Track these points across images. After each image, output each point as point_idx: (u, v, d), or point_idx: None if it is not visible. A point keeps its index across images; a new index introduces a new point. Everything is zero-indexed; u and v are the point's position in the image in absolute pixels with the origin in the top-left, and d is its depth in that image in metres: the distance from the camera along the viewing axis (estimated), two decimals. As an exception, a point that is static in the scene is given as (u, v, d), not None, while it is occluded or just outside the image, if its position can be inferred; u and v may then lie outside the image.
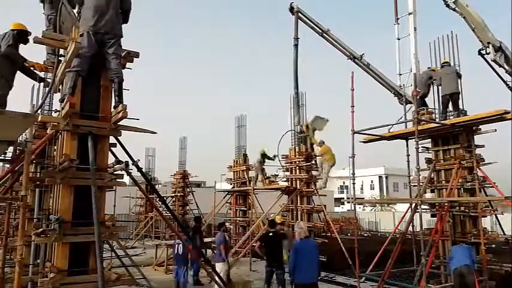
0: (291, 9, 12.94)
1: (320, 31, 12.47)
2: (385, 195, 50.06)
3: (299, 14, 12.76)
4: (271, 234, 8.13)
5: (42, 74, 8.18)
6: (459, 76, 9.23)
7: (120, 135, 5.22)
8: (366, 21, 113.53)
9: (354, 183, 8.88)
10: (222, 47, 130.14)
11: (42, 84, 6.46)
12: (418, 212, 7.83)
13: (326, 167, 13.33)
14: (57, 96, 6.59)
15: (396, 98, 11.25)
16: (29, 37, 5.41)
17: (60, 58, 5.59)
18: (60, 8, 5.52)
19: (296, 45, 13.14)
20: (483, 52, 9.83)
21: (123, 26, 5.27)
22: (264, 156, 15.71)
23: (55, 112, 8.22)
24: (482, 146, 8.91)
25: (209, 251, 13.52)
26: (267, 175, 15.87)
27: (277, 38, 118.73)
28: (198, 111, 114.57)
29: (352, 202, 9.28)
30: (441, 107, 9.38)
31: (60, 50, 5.50)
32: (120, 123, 4.90)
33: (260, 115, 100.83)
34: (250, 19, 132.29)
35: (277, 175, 15.38)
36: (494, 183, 8.67)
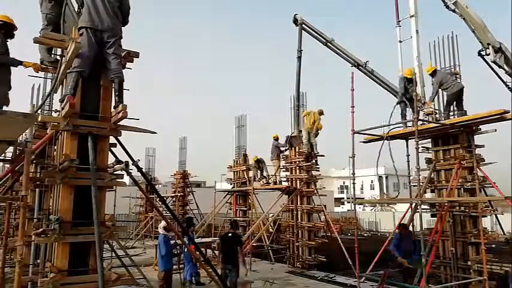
0: (295, 21, 12.92)
1: (324, 41, 12.49)
2: (385, 195, 50.05)
3: (303, 25, 12.76)
4: (230, 235, 8.05)
5: (42, 74, 8.20)
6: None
7: (120, 135, 5.22)
8: (368, 22, 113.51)
9: (354, 183, 8.88)
10: (223, 47, 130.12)
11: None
12: (418, 212, 7.83)
13: (305, 131, 13.60)
14: (57, 96, 6.58)
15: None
16: (14, 31, 5.20)
17: (58, 57, 5.59)
18: (64, 7, 5.53)
19: (299, 58, 13.14)
20: (483, 53, 9.82)
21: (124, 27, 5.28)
22: (258, 162, 15.80)
23: (55, 112, 8.22)
24: (482, 146, 8.91)
25: (209, 251, 13.52)
26: (266, 175, 15.90)
27: (277, 37, 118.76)
28: (198, 111, 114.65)
29: (352, 202, 9.27)
30: (445, 106, 9.36)
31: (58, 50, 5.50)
32: (120, 123, 4.90)
33: (260, 115, 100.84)
34: (250, 18, 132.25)
35: (272, 175, 15.46)
36: (494, 183, 8.67)
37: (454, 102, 9.27)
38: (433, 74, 9.41)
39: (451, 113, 9.24)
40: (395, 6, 11.50)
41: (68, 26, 5.50)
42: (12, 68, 5.12)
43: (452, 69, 9.57)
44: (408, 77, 9.85)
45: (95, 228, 4.30)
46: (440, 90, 9.47)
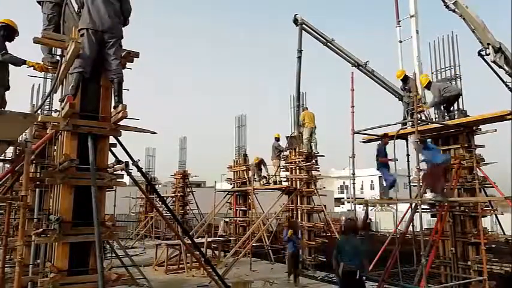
0: (295, 21, 12.90)
1: (324, 41, 12.48)
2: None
3: (303, 25, 12.74)
4: None
5: (42, 74, 8.20)
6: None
7: (120, 135, 5.23)
8: (368, 22, 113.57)
9: (354, 183, 8.87)
10: (223, 47, 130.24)
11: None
12: (418, 212, 7.82)
13: (306, 130, 13.65)
14: (57, 96, 6.59)
15: (400, 101, 11.26)
16: (15, 36, 5.34)
17: (58, 58, 5.59)
18: (64, 7, 5.54)
19: (299, 58, 13.13)
20: (483, 53, 9.82)
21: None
22: (259, 164, 15.82)
23: (55, 112, 8.22)
24: (482, 146, 8.91)
25: (209, 251, 13.54)
26: (266, 175, 15.91)
27: (278, 37, 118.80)
28: (198, 111, 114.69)
29: (352, 202, 9.26)
30: (443, 108, 9.37)
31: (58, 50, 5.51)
32: (120, 123, 4.90)
33: (260, 115, 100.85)
34: (250, 18, 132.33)
35: (272, 175, 15.46)
36: (494, 183, 8.67)
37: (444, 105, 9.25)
38: (428, 86, 9.43)
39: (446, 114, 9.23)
40: (396, 6, 11.50)
41: (67, 26, 5.51)
42: (13, 68, 5.14)
43: (452, 71, 9.52)
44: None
45: (95, 228, 4.30)
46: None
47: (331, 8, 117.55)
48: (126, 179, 5.63)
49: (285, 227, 11.87)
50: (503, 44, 9.72)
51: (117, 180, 5.04)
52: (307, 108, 14.28)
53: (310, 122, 13.81)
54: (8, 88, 5.22)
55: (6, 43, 5.18)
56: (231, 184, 17.71)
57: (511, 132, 7.84)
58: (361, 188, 53.70)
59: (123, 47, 5.18)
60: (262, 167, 15.91)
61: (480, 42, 9.81)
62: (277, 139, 15.45)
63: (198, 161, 75.95)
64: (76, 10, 5.55)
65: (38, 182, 6.37)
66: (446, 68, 9.59)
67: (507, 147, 7.71)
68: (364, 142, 10.10)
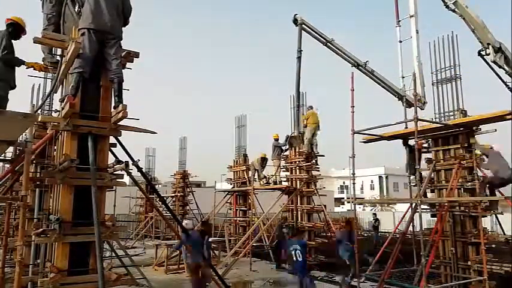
0: (295, 21, 12.91)
1: (324, 41, 12.49)
2: (385, 195, 50.03)
3: (303, 25, 12.75)
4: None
5: (42, 74, 8.21)
6: None
7: (120, 135, 5.22)
8: (368, 22, 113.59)
9: (354, 183, 8.87)
10: (223, 47, 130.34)
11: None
12: (418, 212, 7.82)
13: (308, 130, 13.65)
14: (57, 96, 6.58)
15: (400, 101, 11.27)
16: (22, 34, 5.36)
17: (58, 58, 5.59)
18: (64, 7, 5.54)
19: (299, 58, 13.13)
20: (483, 53, 9.82)
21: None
22: (263, 159, 15.83)
23: (55, 112, 8.22)
24: (483, 146, 8.91)
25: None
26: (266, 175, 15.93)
27: (278, 37, 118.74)
28: (198, 111, 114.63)
29: (352, 202, 9.27)
30: None
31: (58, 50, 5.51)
32: (120, 123, 4.90)
33: (260, 115, 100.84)
34: (250, 18, 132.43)
35: (272, 175, 15.48)
36: (494, 183, 8.66)
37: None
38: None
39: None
40: (395, 6, 11.51)
41: (67, 26, 5.51)
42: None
43: (452, 71, 9.44)
44: None
45: (95, 228, 4.30)
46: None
47: (331, 7, 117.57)
48: (126, 179, 5.63)
49: (339, 228, 11.28)
50: (503, 44, 9.73)
51: (117, 180, 5.04)
52: (311, 107, 14.26)
53: (314, 123, 13.76)
54: (13, 87, 5.23)
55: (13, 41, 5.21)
56: (231, 184, 17.71)
57: (511, 132, 7.86)
58: (361, 188, 53.69)
59: (123, 47, 5.18)
60: (265, 165, 15.94)
61: (480, 42, 9.82)
62: (276, 140, 15.47)
63: (198, 161, 76.02)
64: (76, 10, 5.55)
65: (38, 182, 6.36)
66: (446, 68, 9.59)
67: (507, 147, 7.73)
68: (364, 142, 10.11)
